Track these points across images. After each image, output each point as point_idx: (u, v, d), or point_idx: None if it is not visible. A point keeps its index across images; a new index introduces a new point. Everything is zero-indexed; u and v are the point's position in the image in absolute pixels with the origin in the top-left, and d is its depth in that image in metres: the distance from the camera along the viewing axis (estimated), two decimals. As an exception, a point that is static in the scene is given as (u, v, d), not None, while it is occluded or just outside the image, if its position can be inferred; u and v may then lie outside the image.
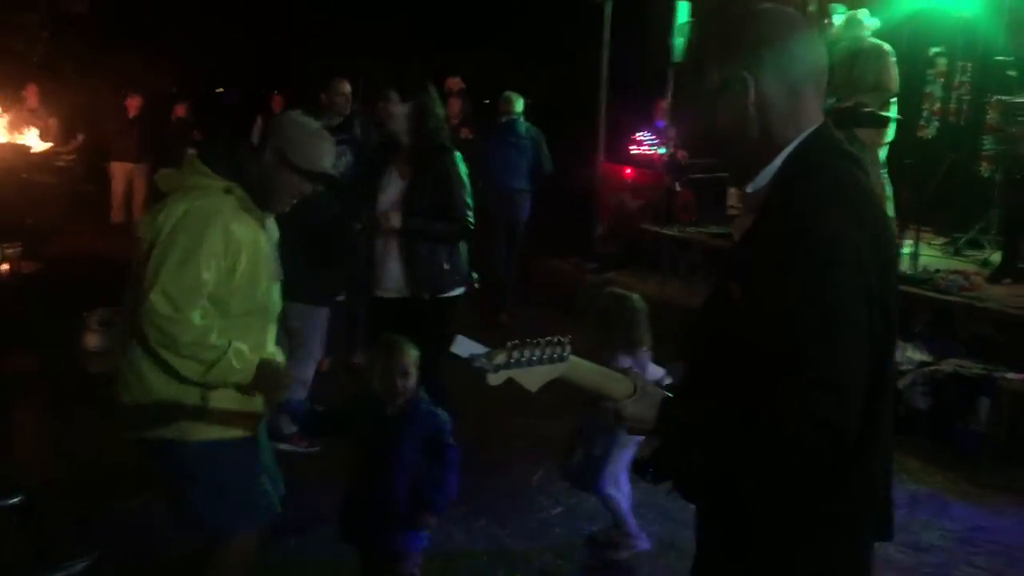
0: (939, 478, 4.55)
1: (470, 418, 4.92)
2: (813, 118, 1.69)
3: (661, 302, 5.95)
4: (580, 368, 1.72)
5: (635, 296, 3.70)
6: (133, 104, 10.69)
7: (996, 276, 5.95)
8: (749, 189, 1.72)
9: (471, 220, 4.06)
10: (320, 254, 4.24)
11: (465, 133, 10.16)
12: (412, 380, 3.04)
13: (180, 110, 11.73)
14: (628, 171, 9.46)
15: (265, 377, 2.68)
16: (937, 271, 6.00)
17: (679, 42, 7.74)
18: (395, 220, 3.93)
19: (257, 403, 2.77)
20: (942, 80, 6.00)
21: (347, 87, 5.93)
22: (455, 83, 10.32)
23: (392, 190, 4.03)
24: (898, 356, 5.29)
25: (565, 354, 1.70)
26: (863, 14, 7.08)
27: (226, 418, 2.71)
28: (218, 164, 2.70)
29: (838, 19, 7.33)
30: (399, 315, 3.94)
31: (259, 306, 2.75)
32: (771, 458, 1.57)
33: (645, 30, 8.41)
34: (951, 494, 4.37)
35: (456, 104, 10.37)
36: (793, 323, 1.52)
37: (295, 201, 2.82)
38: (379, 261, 4.06)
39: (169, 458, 2.73)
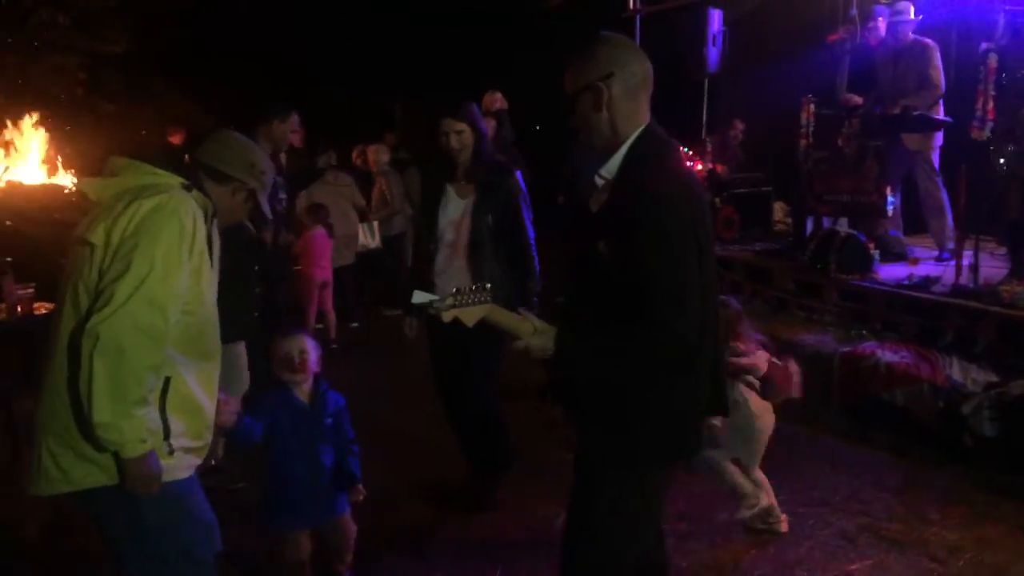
0: (1012, 514, 4.06)
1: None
2: (645, 117, 2.29)
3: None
4: (497, 311, 2.25)
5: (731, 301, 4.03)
6: (176, 139, 10.63)
7: None
8: (603, 171, 2.29)
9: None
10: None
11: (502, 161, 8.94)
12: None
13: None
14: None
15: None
16: (1000, 284, 5.51)
17: (713, 53, 7.38)
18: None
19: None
20: (994, 78, 5.55)
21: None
22: (495, 100, 8.73)
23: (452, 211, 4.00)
24: (960, 377, 4.83)
25: (489, 297, 2.23)
26: (904, 6, 6.67)
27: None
28: (164, 164, 2.43)
29: (882, 21, 6.92)
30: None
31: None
32: (645, 358, 2.17)
33: (678, 42, 8.05)
34: (1028, 534, 3.88)
35: (491, 126, 9.10)
36: (648, 258, 2.11)
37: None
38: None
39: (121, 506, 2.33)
